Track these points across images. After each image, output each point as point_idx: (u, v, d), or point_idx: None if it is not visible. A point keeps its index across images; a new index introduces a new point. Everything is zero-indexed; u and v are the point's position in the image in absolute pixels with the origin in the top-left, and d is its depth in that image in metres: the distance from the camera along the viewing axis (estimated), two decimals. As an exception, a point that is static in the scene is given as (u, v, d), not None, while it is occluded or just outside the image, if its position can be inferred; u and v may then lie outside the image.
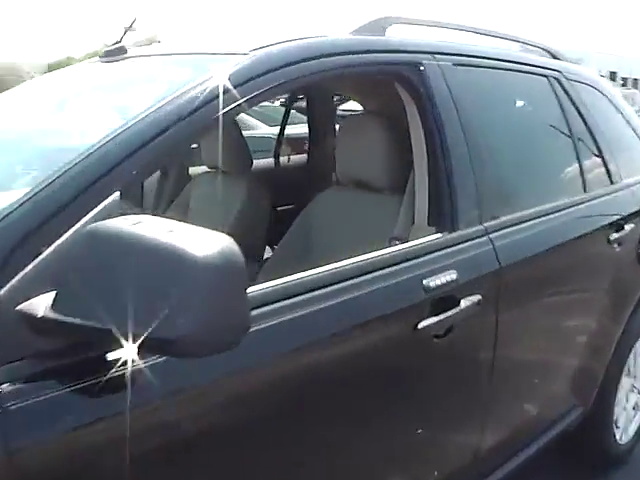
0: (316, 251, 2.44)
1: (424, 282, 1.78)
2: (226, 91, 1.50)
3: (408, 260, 1.81)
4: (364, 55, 1.94)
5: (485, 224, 2.05)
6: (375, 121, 2.34)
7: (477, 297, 1.89)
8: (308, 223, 2.54)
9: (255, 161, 3.30)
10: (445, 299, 1.82)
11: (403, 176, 2.23)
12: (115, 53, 2.07)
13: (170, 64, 2.02)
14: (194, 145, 3.05)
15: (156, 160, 1.44)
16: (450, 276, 1.84)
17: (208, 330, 1.06)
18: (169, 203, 3.22)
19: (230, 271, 1.09)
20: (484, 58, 2.32)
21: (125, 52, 2.06)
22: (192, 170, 3.42)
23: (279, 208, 3.26)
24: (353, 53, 1.89)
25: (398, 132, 2.22)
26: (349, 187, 2.45)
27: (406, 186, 2.20)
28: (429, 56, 2.07)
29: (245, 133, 3.75)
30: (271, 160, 3.86)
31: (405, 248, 1.87)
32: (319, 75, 1.84)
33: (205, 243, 1.08)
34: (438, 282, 1.80)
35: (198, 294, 1.05)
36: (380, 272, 1.71)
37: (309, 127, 3.83)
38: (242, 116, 8.87)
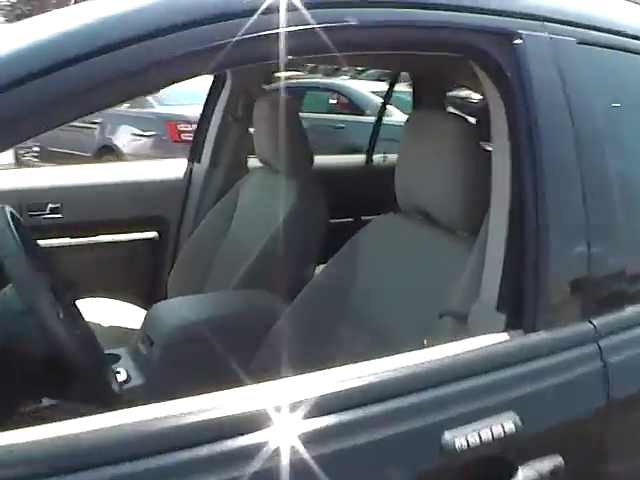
0: (354, 296, 1.71)
1: (444, 437, 0.96)
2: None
3: (428, 388, 1.00)
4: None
5: (595, 320, 1.16)
6: (454, 126, 1.49)
7: (554, 461, 1.04)
8: (354, 256, 1.79)
9: (340, 158, 2.58)
10: (485, 463, 0.99)
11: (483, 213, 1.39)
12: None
13: None
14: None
15: None
16: (503, 425, 1.00)
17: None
18: (217, 198, 2.63)
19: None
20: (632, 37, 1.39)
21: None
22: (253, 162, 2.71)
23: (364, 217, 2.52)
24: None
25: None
26: (413, 215, 1.64)
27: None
28: (534, 23, 1.22)
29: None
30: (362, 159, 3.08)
31: (424, 363, 1.04)
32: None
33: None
34: (474, 439, 0.97)
35: None
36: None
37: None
38: (367, 96, 8.20)
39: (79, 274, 2.60)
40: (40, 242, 2.55)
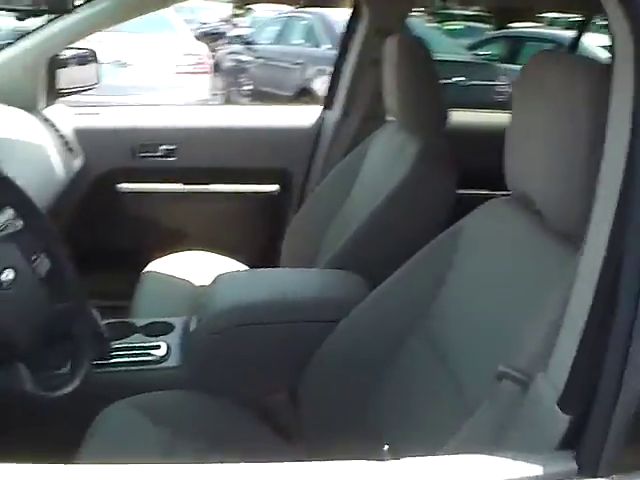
0: (432, 303, 1.37)
1: None
2: None
3: None
4: None
5: None
6: (590, 78, 1.00)
7: None
8: (449, 251, 1.39)
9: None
10: None
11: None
12: None
13: None
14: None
15: None
16: None
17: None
18: (347, 151, 2.32)
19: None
20: None
21: None
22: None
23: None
24: None
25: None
26: (523, 203, 1.21)
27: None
28: None
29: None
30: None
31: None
32: None
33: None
34: None
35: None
36: None
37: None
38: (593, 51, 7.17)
39: (188, 224, 2.47)
40: (151, 186, 2.47)
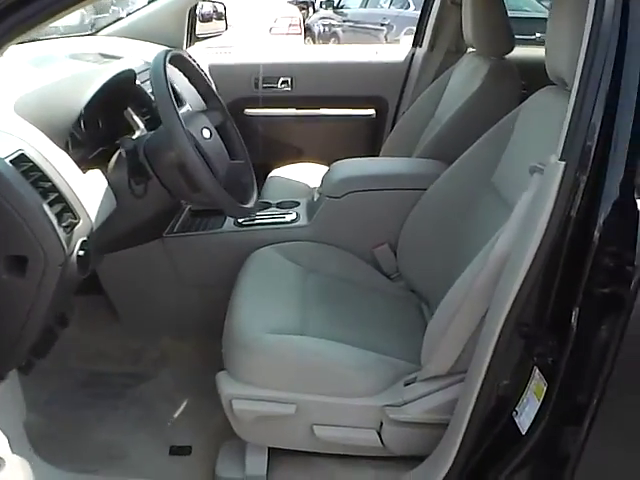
0: (496, 173, 1.72)
1: None
2: None
3: None
4: None
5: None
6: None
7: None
8: (506, 133, 1.77)
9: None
10: None
11: None
12: None
13: None
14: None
15: None
16: None
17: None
18: (433, 81, 2.71)
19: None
20: None
21: None
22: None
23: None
24: None
25: None
26: (562, 88, 1.56)
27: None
28: None
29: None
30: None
31: None
32: None
33: None
34: None
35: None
36: None
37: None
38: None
39: (301, 142, 2.97)
40: (271, 111, 2.98)
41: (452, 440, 1.28)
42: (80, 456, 1.64)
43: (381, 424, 1.45)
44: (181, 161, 1.43)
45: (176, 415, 1.85)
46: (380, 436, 1.46)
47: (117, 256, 1.93)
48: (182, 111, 1.66)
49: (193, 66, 1.65)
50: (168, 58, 1.47)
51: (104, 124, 1.60)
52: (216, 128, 1.63)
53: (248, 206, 1.62)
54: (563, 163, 1.10)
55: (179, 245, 2.00)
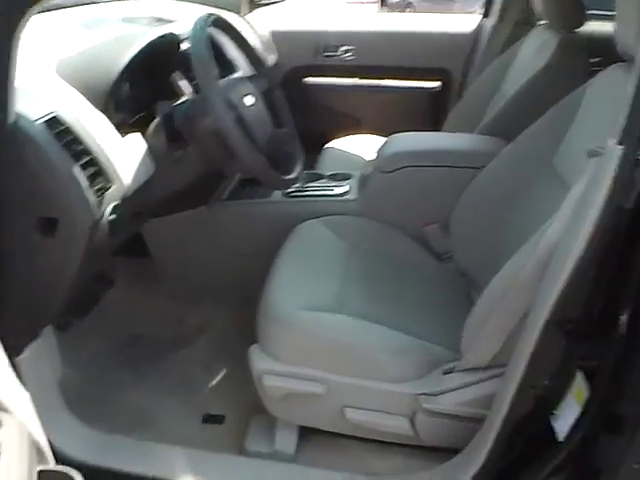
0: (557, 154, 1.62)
1: None
2: None
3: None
4: None
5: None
6: None
7: None
8: (571, 110, 1.65)
9: None
10: None
11: None
12: None
13: None
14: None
15: None
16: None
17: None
18: (501, 53, 2.58)
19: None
20: None
21: None
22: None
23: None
24: None
25: None
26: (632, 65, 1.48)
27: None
28: None
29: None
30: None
31: None
32: None
33: None
34: None
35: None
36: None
37: None
38: None
39: (361, 112, 2.89)
40: (331, 80, 2.90)
41: (486, 437, 1.22)
42: (113, 417, 1.65)
43: (414, 412, 1.40)
44: (217, 127, 1.39)
45: (212, 383, 1.84)
46: (412, 424, 1.41)
47: (164, 220, 1.93)
48: (233, 77, 1.62)
49: (237, 31, 1.61)
50: (210, 21, 1.42)
51: (147, 88, 1.58)
52: (263, 96, 1.59)
53: (290, 177, 1.57)
54: (620, 147, 1.00)
55: (224, 213, 1.98)
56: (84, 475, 1.03)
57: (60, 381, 1.52)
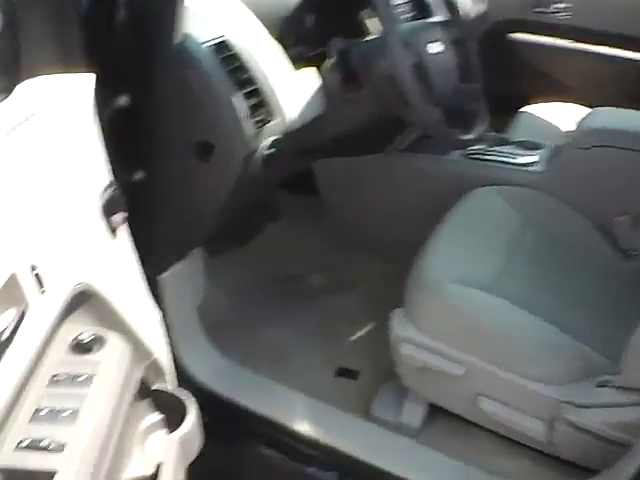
0: None
1: None
2: None
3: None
4: None
5: None
6: None
7: None
8: None
9: None
10: None
11: None
12: None
13: None
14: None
15: None
16: None
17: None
18: None
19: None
20: None
21: None
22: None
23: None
24: None
25: None
26: None
27: None
28: None
29: None
30: None
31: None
32: None
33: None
34: None
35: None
36: None
37: None
38: None
39: (567, 79, 2.62)
40: (540, 39, 2.64)
41: (629, 466, 1.07)
42: (248, 350, 1.66)
43: (553, 419, 1.26)
44: (392, 72, 1.30)
45: (353, 337, 1.79)
46: (548, 431, 1.27)
47: (338, 161, 1.87)
48: (423, 21, 1.51)
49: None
50: None
51: (331, 23, 1.51)
52: (453, 45, 1.46)
53: (468, 136, 1.44)
54: None
55: (399, 163, 1.89)
56: (204, 400, 1.03)
57: (201, 305, 1.54)
